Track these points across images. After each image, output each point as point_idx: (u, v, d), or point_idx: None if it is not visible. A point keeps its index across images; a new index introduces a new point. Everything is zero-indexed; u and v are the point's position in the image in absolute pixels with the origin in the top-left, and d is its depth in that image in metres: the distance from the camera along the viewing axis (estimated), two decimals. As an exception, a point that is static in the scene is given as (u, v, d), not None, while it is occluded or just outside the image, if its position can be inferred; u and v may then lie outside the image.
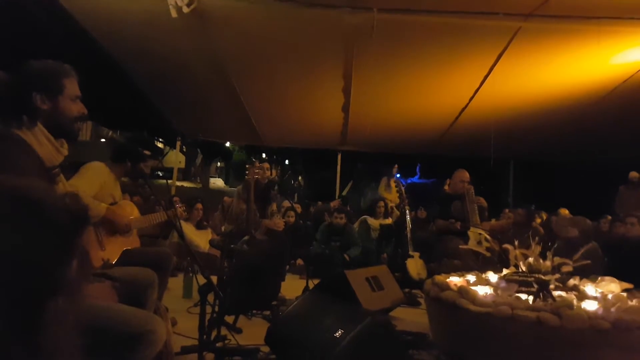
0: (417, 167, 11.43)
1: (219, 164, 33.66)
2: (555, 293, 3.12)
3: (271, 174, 5.02)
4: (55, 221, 0.77)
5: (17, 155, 1.72)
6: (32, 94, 1.84)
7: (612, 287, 3.37)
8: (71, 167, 2.57)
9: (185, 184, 22.98)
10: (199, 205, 6.73)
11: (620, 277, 3.58)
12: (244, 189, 4.69)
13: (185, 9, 4.46)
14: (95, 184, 3.04)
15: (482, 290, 3.23)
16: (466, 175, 5.78)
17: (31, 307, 0.75)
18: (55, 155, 1.91)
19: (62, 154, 1.94)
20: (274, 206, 5.05)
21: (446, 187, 6.16)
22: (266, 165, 4.88)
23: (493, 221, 7.26)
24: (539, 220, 6.93)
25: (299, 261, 6.84)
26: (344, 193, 11.73)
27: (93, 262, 2.68)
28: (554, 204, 8.17)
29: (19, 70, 1.87)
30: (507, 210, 7.91)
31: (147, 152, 3.09)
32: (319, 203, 10.26)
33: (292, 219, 7.36)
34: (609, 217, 6.96)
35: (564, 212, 6.76)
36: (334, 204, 8.31)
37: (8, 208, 0.75)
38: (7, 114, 1.80)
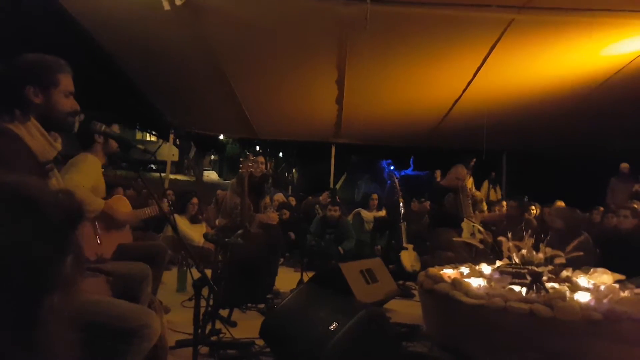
0: (411, 160, 11.46)
1: (212, 157, 33.55)
2: (548, 285, 3.14)
3: (266, 168, 4.99)
4: (48, 218, 0.77)
5: (9, 149, 1.69)
6: (25, 87, 1.81)
7: (604, 278, 3.41)
8: (64, 160, 2.55)
9: (179, 177, 22.91)
10: (195, 200, 6.70)
11: (611, 268, 3.61)
12: (237, 182, 4.67)
13: (178, 1, 4.43)
14: (92, 177, 3.02)
15: (476, 282, 3.26)
16: (463, 171, 5.80)
17: (27, 303, 0.75)
18: (49, 150, 1.87)
19: (56, 149, 1.91)
20: (268, 199, 5.03)
21: (438, 180, 6.20)
22: (261, 159, 4.85)
23: (486, 213, 7.30)
24: (534, 211, 6.96)
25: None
26: (338, 186, 11.73)
27: (90, 256, 2.67)
28: (547, 196, 8.21)
29: (13, 62, 1.84)
30: (504, 203, 7.95)
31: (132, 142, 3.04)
32: (310, 198, 10.28)
33: (286, 216, 7.36)
34: (601, 209, 7.00)
35: (560, 204, 6.80)
36: (322, 197, 8.31)
37: (2, 204, 0.74)
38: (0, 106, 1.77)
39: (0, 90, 1.80)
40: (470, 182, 7.63)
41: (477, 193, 5.88)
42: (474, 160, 8.01)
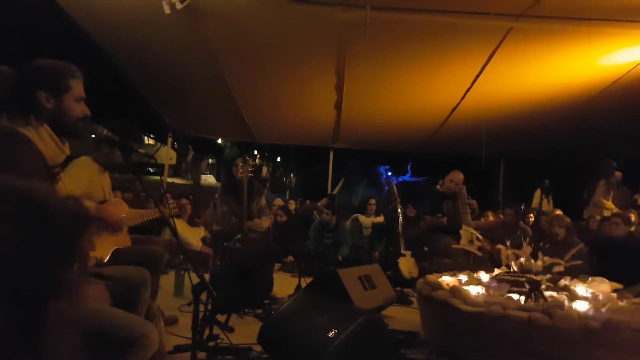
0: (409, 166, 11.46)
1: (210, 160, 33.53)
2: (547, 293, 3.14)
3: (261, 171, 4.94)
4: (57, 223, 0.77)
5: (21, 153, 1.71)
6: (37, 92, 1.83)
7: (602, 287, 3.41)
8: (64, 163, 2.55)
9: (176, 181, 22.87)
10: (185, 201, 6.70)
11: (608, 276, 3.62)
12: (230, 188, 4.60)
13: (179, 5, 4.43)
14: (83, 180, 3.01)
15: (474, 290, 3.26)
16: (459, 176, 5.79)
17: (33, 308, 0.75)
18: (58, 154, 1.90)
19: (65, 153, 1.94)
20: (263, 201, 4.94)
21: (438, 187, 6.19)
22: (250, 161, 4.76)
23: (489, 218, 7.31)
24: (531, 219, 6.97)
25: (290, 258, 6.85)
26: (335, 191, 11.73)
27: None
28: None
29: (26, 67, 1.85)
30: (489, 212, 7.97)
31: (133, 143, 3.02)
32: (307, 202, 10.27)
33: (284, 218, 7.36)
34: (598, 217, 7.01)
35: (558, 212, 6.80)
36: (321, 202, 8.33)
37: (11, 209, 0.74)
38: (13, 110, 1.79)
39: (13, 94, 1.80)
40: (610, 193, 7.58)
41: (473, 201, 5.86)
42: (617, 170, 7.70)
